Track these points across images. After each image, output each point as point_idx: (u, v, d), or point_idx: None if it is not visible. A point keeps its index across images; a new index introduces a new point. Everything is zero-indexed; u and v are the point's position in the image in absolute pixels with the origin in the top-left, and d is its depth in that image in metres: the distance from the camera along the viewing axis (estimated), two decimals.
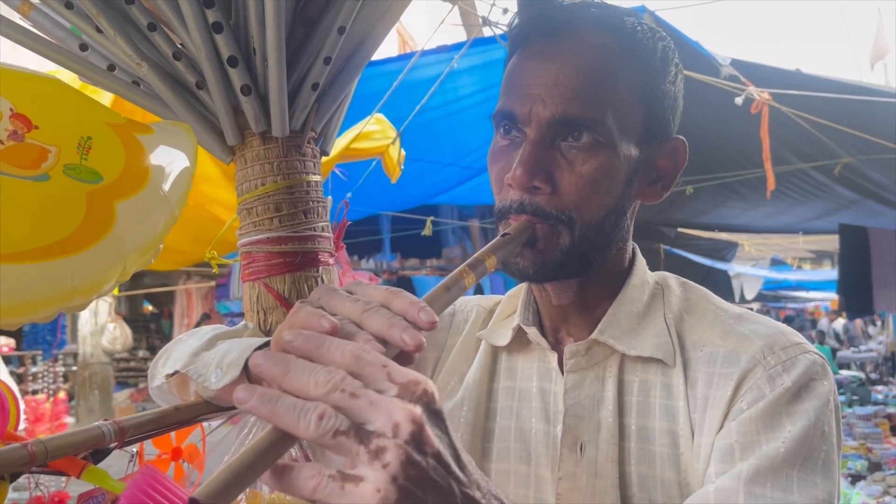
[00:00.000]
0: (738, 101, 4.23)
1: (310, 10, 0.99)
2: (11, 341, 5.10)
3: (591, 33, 0.86)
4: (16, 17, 0.99)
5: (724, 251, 11.52)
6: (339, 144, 3.61)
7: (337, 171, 3.84)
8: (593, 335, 0.89)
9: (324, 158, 3.28)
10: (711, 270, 11.30)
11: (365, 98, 4.23)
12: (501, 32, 3.34)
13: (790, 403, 0.79)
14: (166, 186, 0.77)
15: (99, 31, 0.94)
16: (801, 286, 17.65)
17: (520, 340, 0.97)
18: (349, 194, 4.77)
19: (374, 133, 3.84)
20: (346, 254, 5.29)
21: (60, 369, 4.85)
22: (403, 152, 4.08)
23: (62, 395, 4.04)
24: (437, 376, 1.03)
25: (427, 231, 5.27)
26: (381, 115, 3.94)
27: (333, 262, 1.07)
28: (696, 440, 0.83)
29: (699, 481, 0.82)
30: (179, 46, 0.97)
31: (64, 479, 0.74)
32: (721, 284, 11.91)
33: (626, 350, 0.88)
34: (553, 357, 0.93)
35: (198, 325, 5.28)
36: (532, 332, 0.94)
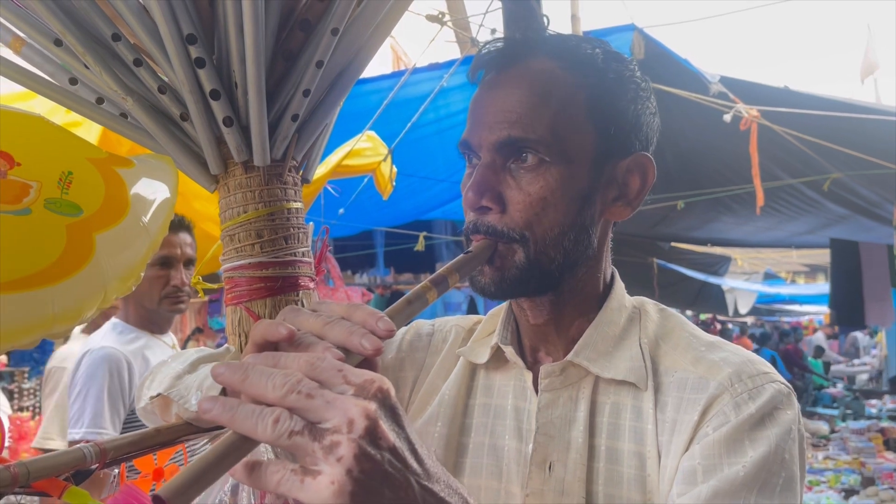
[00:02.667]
0: (727, 118, 4.29)
1: (290, 44, 1.03)
2: (3, 357, 5.10)
3: (538, 61, 0.91)
4: (8, 54, 1.03)
5: (718, 265, 11.59)
6: (330, 161, 3.66)
7: (329, 188, 3.88)
8: (568, 356, 0.92)
9: (316, 175, 3.30)
10: (705, 285, 11.36)
11: (357, 115, 4.28)
12: None
13: (753, 430, 0.82)
14: (146, 217, 0.81)
15: (87, 66, 0.98)
16: (794, 300, 17.71)
17: (498, 359, 1.00)
18: (342, 210, 4.81)
19: (366, 150, 3.88)
20: (338, 269, 5.33)
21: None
22: (395, 169, 4.12)
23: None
24: (415, 395, 1.06)
25: (420, 246, 5.31)
26: (372, 133, 3.99)
27: (314, 286, 1.09)
28: (663, 462, 0.86)
29: (663, 502, 0.85)
30: (164, 80, 1.01)
31: (46, 498, 0.77)
32: (715, 299, 11.97)
33: (600, 372, 0.91)
34: (529, 376, 0.96)
35: (188, 338, 5.30)
36: (509, 350, 0.97)
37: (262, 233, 1.03)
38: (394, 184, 4.06)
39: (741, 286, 12.53)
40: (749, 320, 18.82)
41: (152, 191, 0.84)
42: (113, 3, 0.98)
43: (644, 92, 0.95)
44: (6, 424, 3.35)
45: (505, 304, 1.01)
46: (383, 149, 3.99)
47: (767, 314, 20.13)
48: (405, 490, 0.56)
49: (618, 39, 4.96)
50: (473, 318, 1.12)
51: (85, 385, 2.19)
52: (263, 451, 0.86)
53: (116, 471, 0.87)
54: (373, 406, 0.56)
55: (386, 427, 0.56)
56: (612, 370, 0.91)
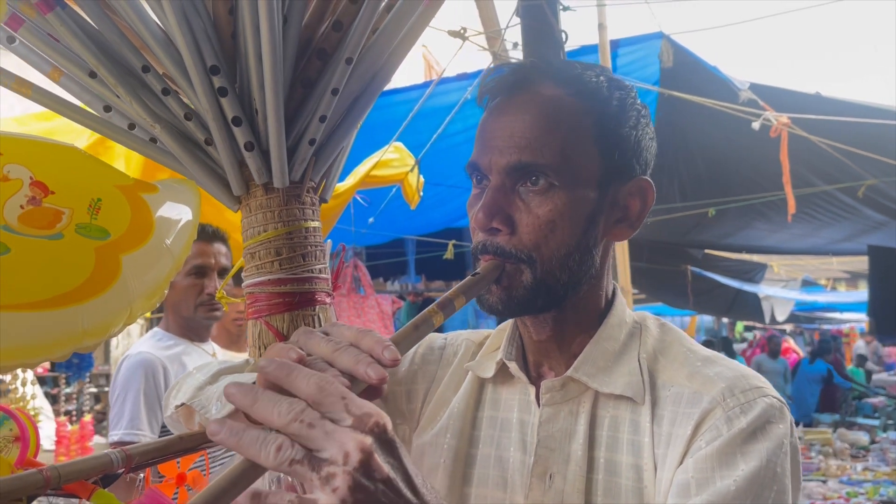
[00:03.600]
0: (755, 125, 4.27)
1: (308, 72, 1.08)
2: (46, 363, 5.29)
3: (545, 87, 0.94)
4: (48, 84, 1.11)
5: (753, 273, 11.41)
6: (359, 172, 3.73)
7: (358, 198, 3.95)
8: (568, 372, 0.95)
9: (345, 185, 3.37)
10: (740, 292, 11.20)
11: (386, 125, 4.35)
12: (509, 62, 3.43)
13: (745, 444, 0.84)
14: (169, 239, 0.87)
15: (119, 96, 1.05)
16: (834, 308, 17.33)
17: (503, 373, 1.03)
18: (371, 219, 4.88)
19: (393, 161, 3.95)
20: (369, 277, 5.39)
21: (93, 390, 5.01)
22: (422, 179, 4.18)
23: (88, 417, 4.18)
24: (427, 406, 1.10)
25: (449, 254, 5.36)
26: (399, 144, 4.05)
27: (330, 301, 1.15)
28: (658, 475, 0.88)
29: None
30: (190, 108, 1.07)
31: (75, 501, 0.83)
32: (750, 306, 11.78)
33: (599, 387, 0.94)
34: (532, 390, 1.00)
35: None
36: (513, 366, 1.01)
37: (280, 251, 1.09)
38: (421, 193, 4.11)
39: (778, 294, 12.31)
40: (787, 328, 18.48)
41: (175, 214, 0.91)
42: (141, 37, 1.05)
43: (644, 118, 0.98)
44: (52, 428, 3.48)
45: (511, 321, 1.05)
46: (410, 159, 4.05)
47: (807, 322, 19.73)
48: None
49: (646, 48, 4.97)
50: (483, 332, 1.15)
51: (123, 389, 2.28)
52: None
53: (142, 475, 0.93)
54: (368, 440, 0.60)
55: (380, 460, 0.60)
56: (611, 385, 0.94)
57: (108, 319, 0.79)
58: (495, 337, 1.09)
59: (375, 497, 0.59)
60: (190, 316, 2.48)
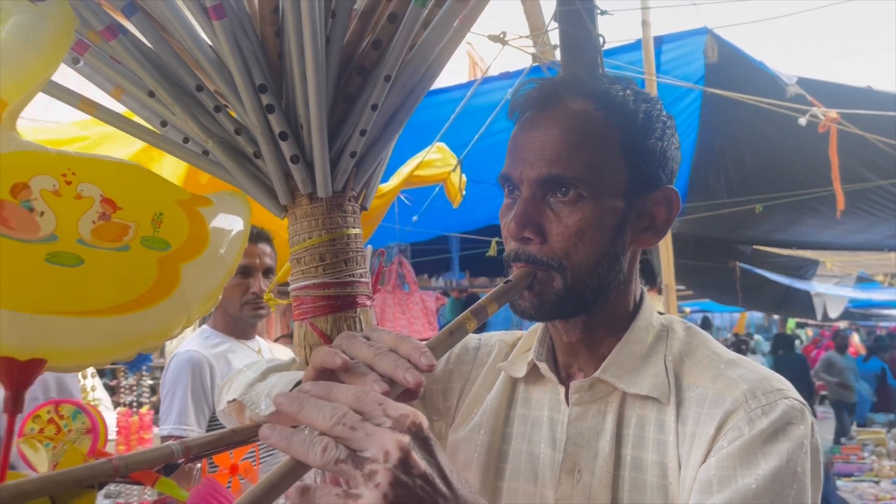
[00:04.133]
0: (802, 121, 4.20)
1: (349, 88, 1.15)
2: None
3: (574, 102, 0.98)
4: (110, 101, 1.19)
5: (804, 269, 11.15)
6: (402, 172, 3.80)
7: (402, 197, 4.03)
8: (596, 373, 1.00)
9: (389, 185, 3.45)
10: (790, 289, 10.96)
11: (430, 125, 4.41)
12: (549, 64, 3.47)
13: (766, 444, 0.86)
14: (223, 249, 0.94)
15: (174, 113, 1.13)
16: (891, 305, 16.79)
17: (534, 373, 1.08)
18: (415, 217, 4.96)
19: (436, 161, 4.01)
20: (413, 274, 5.47)
21: (150, 382, 5.21)
22: (465, 178, 4.23)
23: (145, 409, 4.35)
24: (462, 403, 1.15)
25: (492, 252, 5.40)
26: (442, 144, 4.11)
27: (370, 304, 1.21)
28: (682, 472, 0.91)
29: None
30: (240, 123, 1.15)
31: (140, 488, 0.91)
32: (801, 303, 11.51)
33: (626, 388, 0.98)
34: (562, 390, 1.04)
35: (275, 342, 5.57)
36: (543, 366, 1.06)
37: (324, 256, 1.15)
38: (464, 192, 4.17)
39: (829, 291, 12.00)
40: (842, 325, 17.98)
41: (228, 224, 0.98)
42: (195, 58, 1.13)
43: (669, 129, 1.02)
44: (112, 418, 3.65)
45: (542, 323, 1.10)
46: (452, 159, 4.11)
47: (862, 319, 19.17)
48: None
49: (690, 43, 4.92)
50: (516, 333, 1.20)
51: (171, 386, 2.38)
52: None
53: (199, 465, 1.01)
54: (406, 439, 0.65)
55: (417, 457, 0.66)
56: (637, 386, 0.97)
57: (169, 323, 0.87)
58: (527, 338, 1.14)
59: (414, 491, 0.65)
60: (236, 314, 2.57)
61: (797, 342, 15.04)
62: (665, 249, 4.22)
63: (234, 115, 1.16)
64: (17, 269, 0.81)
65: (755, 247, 10.13)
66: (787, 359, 11.12)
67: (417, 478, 0.65)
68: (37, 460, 0.89)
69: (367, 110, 1.12)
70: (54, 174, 0.84)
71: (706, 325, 20.36)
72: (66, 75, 1.17)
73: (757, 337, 20.09)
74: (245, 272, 2.56)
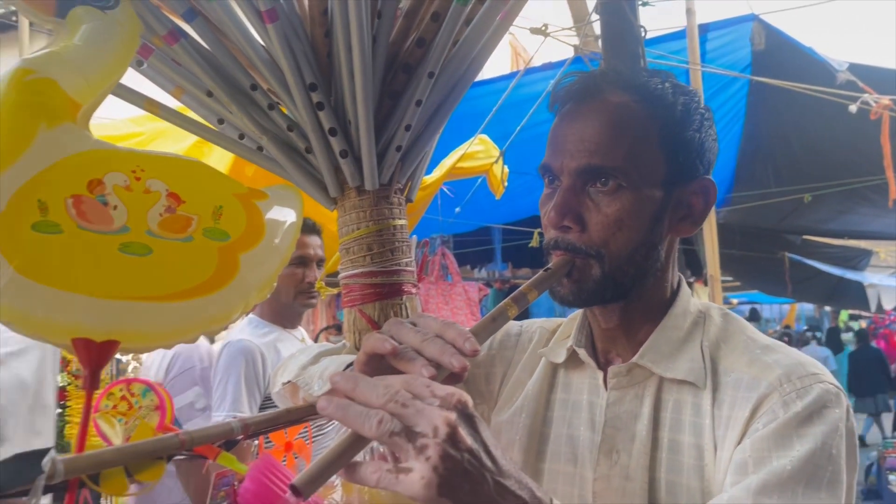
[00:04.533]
0: (853, 108, 4.11)
1: (394, 85, 1.20)
2: None
3: (613, 94, 1.00)
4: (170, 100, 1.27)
5: (857, 259, 10.86)
6: (445, 164, 3.85)
7: (444, 189, 4.08)
8: (634, 359, 1.03)
9: (432, 178, 3.51)
10: (842, 280, 10.70)
11: (473, 116, 4.44)
12: (591, 55, 3.47)
13: (800, 426, 0.88)
14: (277, 239, 1.01)
15: (230, 111, 1.20)
16: None
17: (574, 359, 1.11)
18: (458, 209, 5.01)
19: (478, 153, 4.05)
20: (456, 265, 5.50)
21: None
22: (507, 169, 4.26)
23: None
24: (504, 387, 1.20)
25: (534, 242, 5.41)
26: (484, 136, 4.15)
27: (416, 291, 1.26)
28: (718, 454, 0.93)
29: (718, 489, 0.93)
30: (292, 120, 1.21)
31: (203, 461, 0.98)
32: (854, 294, 11.23)
33: (663, 373, 1.01)
34: (600, 375, 1.07)
35: (320, 332, 5.69)
36: (582, 352, 1.09)
37: (372, 246, 1.21)
38: (506, 184, 4.20)
39: (884, 281, 11.67)
40: None
41: (282, 216, 1.04)
42: (250, 59, 1.19)
43: (707, 121, 1.04)
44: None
45: (581, 310, 1.13)
46: (495, 151, 4.14)
47: None
48: (480, 483, 0.71)
49: (737, 31, 4.85)
50: (557, 320, 1.24)
51: (225, 373, 2.47)
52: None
53: (256, 442, 1.08)
54: (453, 415, 0.70)
55: (464, 432, 0.71)
56: (674, 371, 1.00)
57: (229, 309, 0.94)
58: (567, 325, 1.17)
59: (461, 465, 0.69)
60: (288, 303, 2.65)
61: (849, 335, 14.63)
62: (710, 240, 4.19)
63: (286, 112, 1.22)
64: (93, 259, 0.88)
65: (805, 237, 9.92)
66: (863, 354, 10.86)
67: (465, 451, 0.70)
68: (111, 434, 0.97)
69: (412, 106, 1.17)
70: (125, 171, 0.91)
71: (754, 316, 19.95)
72: (128, 76, 1.24)
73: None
74: (300, 262, 2.63)
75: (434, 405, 0.71)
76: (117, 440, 0.97)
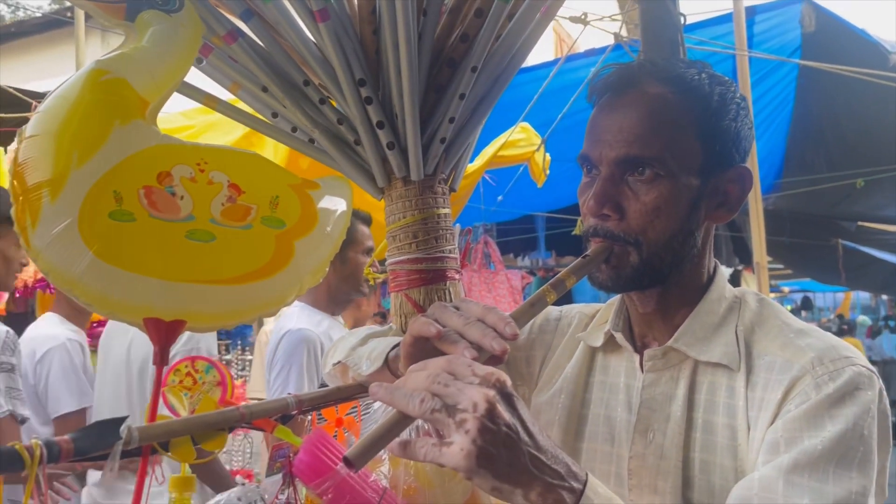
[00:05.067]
0: None
1: (439, 79, 1.25)
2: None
3: (651, 86, 1.03)
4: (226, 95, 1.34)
5: None
6: (486, 153, 3.89)
7: (486, 177, 4.12)
8: (669, 342, 1.06)
9: (473, 166, 3.56)
10: None
11: (515, 104, 4.46)
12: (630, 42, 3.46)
13: (832, 407, 0.90)
14: (329, 227, 1.07)
15: (284, 105, 1.27)
16: None
17: (611, 343, 1.15)
18: (500, 197, 5.04)
19: (520, 141, 4.07)
20: (499, 253, 5.53)
21: (249, 357, 5.54)
22: (549, 157, 4.27)
23: (239, 381, 4.67)
24: (543, 370, 1.24)
25: (578, 230, 5.41)
26: (525, 124, 4.16)
27: (459, 277, 1.32)
28: (751, 434, 0.96)
29: (751, 468, 0.95)
30: (342, 114, 1.27)
31: (261, 433, 1.05)
32: None
33: (697, 356, 1.03)
34: (636, 358, 1.11)
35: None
36: (619, 336, 1.13)
37: (417, 234, 1.27)
38: (548, 172, 4.21)
39: None
40: None
41: (333, 205, 1.11)
42: (302, 56, 1.26)
43: (743, 110, 1.06)
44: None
45: (618, 296, 1.17)
46: (536, 139, 4.16)
47: None
48: (518, 456, 0.76)
49: (785, 13, 4.75)
50: (595, 305, 1.28)
51: (287, 361, 2.55)
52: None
53: (309, 417, 1.15)
54: (491, 393, 0.75)
55: (502, 408, 0.76)
56: (709, 354, 1.03)
57: (285, 292, 1.01)
58: (605, 310, 1.21)
59: (499, 437, 0.75)
60: (352, 290, 2.74)
61: None
62: (756, 227, 4.14)
63: (336, 106, 1.29)
64: (163, 244, 0.96)
65: (860, 223, 9.64)
66: None
67: (503, 426, 0.75)
68: (178, 406, 1.05)
69: (456, 99, 1.22)
70: (190, 163, 0.99)
71: (807, 305, 19.47)
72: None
73: (862, 318, 19.07)
74: (369, 252, 2.71)
75: (474, 384, 0.76)
76: (184, 412, 1.06)
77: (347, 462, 0.75)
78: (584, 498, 0.80)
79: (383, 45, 1.20)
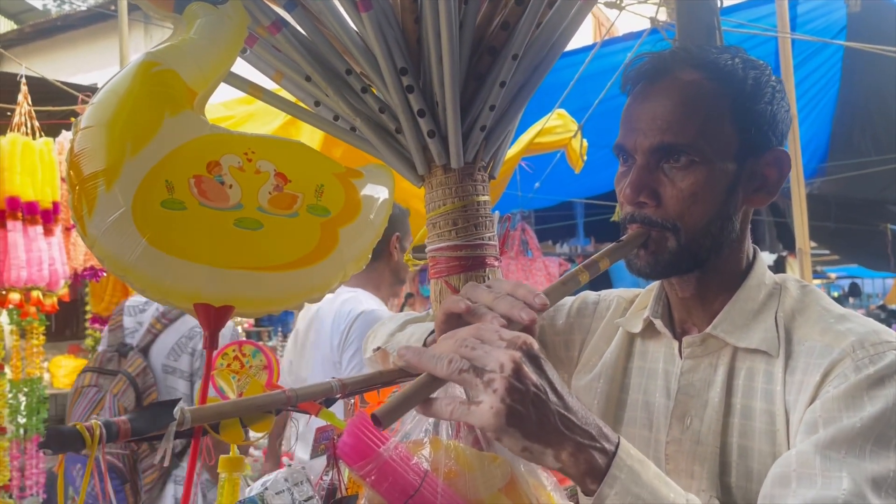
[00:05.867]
0: None
1: (479, 67, 1.26)
2: (251, 319, 6.00)
3: (684, 73, 1.03)
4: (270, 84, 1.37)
5: None
6: (523, 140, 3.87)
7: (523, 164, 4.11)
8: (708, 329, 1.06)
9: (510, 153, 3.57)
10: None
11: (553, 89, 4.43)
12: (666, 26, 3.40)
13: (871, 388, 0.89)
14: (372, 215, 1.09)
15: (326, 94, 1.28)
16: None
17: (650, 329, 1.16)
18: (537, 184, 5.02)
19: (557, 127, 4.05)
20: (536, 241, 5.53)
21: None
22: (586, 143, 4.24)
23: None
24: (583, 354, 1.25)
25: (616, 217, 5.37)
26: (562, 111, 4.14)
27: (498, 265, 1.33)
28: (790, 418, 0.96)
29: None
30: (383, 102, 1.28)
31: (307, 416, 1.08)
32: None
33: (736, 343, 1.04)
34: (675, 344, 1.12)
35: (404, 304, 5.86)
36: (658, 322, 1.13)
37: (457, 221, 1.28)
38: (585, 158, 4.18)
39: None
40: None
41: (376, 194, 1.13)
42: (345, 45, 1.27)
43: (779, 93, 1.05)
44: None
45: (658, 282, 1.17)
46: (573, 125, 4.13)
47: None
48: (547, 415, 0.77)
49: None
50: (634, 291, 1.28)
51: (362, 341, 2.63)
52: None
53: (352, 401, 1.18)
54: (518, 354, 0.77)
55: (528, 369, 0.77)
56: (747, 340, 1.03)
57: (329, 278, 1.04)
58: (644, 296, 1.22)
59: (528, 396, 0.76)
60: (403, 278, 2.84)
61: None
62: (799, 213, 4.06)
63: (378, 94, 1.30)
64: (212, 232, 0.99)
65: None
66: None
67: (531, 386, 0.76)
68: (227, 389, 1.08)
69: (496, 87, 1.22)
70: (238, 153, 1.02)
71: (854, 291, 19.00)
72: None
73: None
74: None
75: (501, 347, 0.77)
76: (232, 395, 1.09)
77: (375, 419, 0.76)
78: (616, 459, 0.80)
79: (425, 34, 1.21)
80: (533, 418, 0.76)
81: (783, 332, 1.02)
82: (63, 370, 7.07)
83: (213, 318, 1.00)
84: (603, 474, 0.79)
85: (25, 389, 4.47)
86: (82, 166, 0.95)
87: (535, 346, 0.80)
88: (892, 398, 0.88)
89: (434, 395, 0.81)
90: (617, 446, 0.81)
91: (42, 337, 4.55)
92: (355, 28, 1.26)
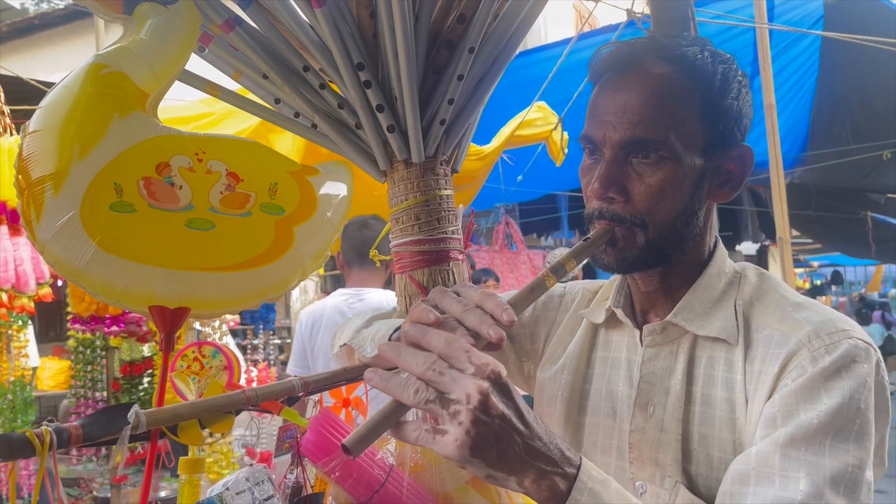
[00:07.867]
0: None
1: (437, 61, 1.25)
2: (237, 316, 5.99)
3: (654, 65, 1.02)
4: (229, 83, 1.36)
5: None
6: (503, 133, 3.87)
7: (504, 157, 4.11)
8: (668, 317, 1.06)
9: (490, 147, 3.58)
10: None
11: (532, 82, 4.43)
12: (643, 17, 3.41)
13: (828, 380, 0.90)
14: (329, 212, 1.09)
15: (284, 91, 1.28)
16: None
17: (613, 319, 1.16)
18: (520, 177, 5.02)
19: (537, 120, 4.05)
20: (520, 234, 5.54)
21: (277, 342, 5.61)
22: (566, 135, 4.24)
23: (262, 364, 4.75)
24: (547, 346, 1.25)
25: None
26: (542, 103, 4.14)
27: (462, 258, 1.32)
28: (749, 407, 0.97)
29: (749, 441, 0.96)
30: (342, 98, 1.28)
31: (269, 415, 1.08)
32: None
33: (696, 331, 1.04)
34: (637, 333, 1.11)
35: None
36: (619, 312, 1.13)
37: (419, 216, 1.27)
38: (566, 150, 4.19)
39: None
40: None
41: (334, 190, 1.12)
42: (301, 41, 1.27)
43: (744, 87, 1.05)
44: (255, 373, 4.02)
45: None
46: (553, 118, 4.13)
47: None
48: (510, 445, 0.77)
49: None
50: (599, 282, 1.28)
51: None
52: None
53: (316, 398, 1.17)
54: (486, 384, 0.76)
55: (496, 399, 0.76)
56: (707, 328, 1.03)
57: (286, 277, 1.03)
58: (607, 287, 1.22)
59: (493, 428, 0.76)
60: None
61: None
62: (779, 202, 4.08)
63: (337, 90, 1.30)
64: (164, 234, 0.98)
65: (889, 195, 9.46)
66: None
67: (496, 417, 0.76)
68: (186, 390, 1.08)
69: (454, 81, 1.22)
70: (189, 153, 1.01)
71: (837, 279, 19.15)
72: (192, 61, 1.34)
73: (895, 291, 18.72)
74: None
75: (468, 373, 0.77)
76: (191, 396, 1.08)
77: (346, 449, 0.76)
78: (577, 482, 0.81)
79: (380, 29, 1.20)
80: (497, 449, 0.76)
81: (742, 320, 1.02)
82: (48, 372, 7.02)
83: (169, 319, 0.99)
84: (565, 498, 0.80)
85: (10, 396, 4.43)
86: (30, 170, 0.94)
87: (504, 373, 0.79)
88: (847, 390, 0.89)
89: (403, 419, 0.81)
90: (578, 468, 0.82)
91: (25, 339, 4.51)
92: (310, 24, 1.25)
